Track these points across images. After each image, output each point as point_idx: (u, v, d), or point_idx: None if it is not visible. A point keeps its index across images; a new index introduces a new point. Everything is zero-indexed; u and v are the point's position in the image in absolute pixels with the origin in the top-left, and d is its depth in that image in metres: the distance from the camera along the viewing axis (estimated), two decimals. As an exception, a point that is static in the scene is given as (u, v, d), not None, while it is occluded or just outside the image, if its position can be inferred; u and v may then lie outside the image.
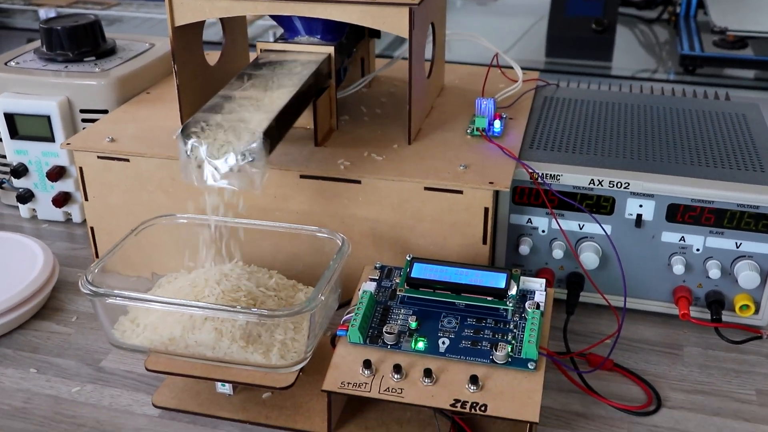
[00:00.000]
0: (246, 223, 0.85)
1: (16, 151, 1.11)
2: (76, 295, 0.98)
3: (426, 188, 0.86)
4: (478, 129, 0.95)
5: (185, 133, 0.75)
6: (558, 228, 0.89)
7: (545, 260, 0.92)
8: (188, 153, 0.74)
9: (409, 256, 0.80)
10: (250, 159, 0.74)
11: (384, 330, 0.73)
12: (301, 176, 0.90)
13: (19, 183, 1.13)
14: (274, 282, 0.82)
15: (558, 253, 0.90)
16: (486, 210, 0.85)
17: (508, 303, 0.74)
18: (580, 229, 0.89)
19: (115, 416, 0.79)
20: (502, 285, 0.75)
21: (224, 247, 0.85)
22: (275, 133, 0.79)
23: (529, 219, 0.90)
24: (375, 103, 1.07)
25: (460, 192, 0.85)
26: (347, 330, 0.74)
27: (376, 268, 0.82)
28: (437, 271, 0.77)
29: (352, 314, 0.75)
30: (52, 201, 1.12)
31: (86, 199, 0.99)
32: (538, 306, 0.74)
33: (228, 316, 0.71)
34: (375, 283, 0.79)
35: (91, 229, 1.01)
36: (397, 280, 0.79)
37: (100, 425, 0.77)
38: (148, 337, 0.76)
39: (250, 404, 0.79)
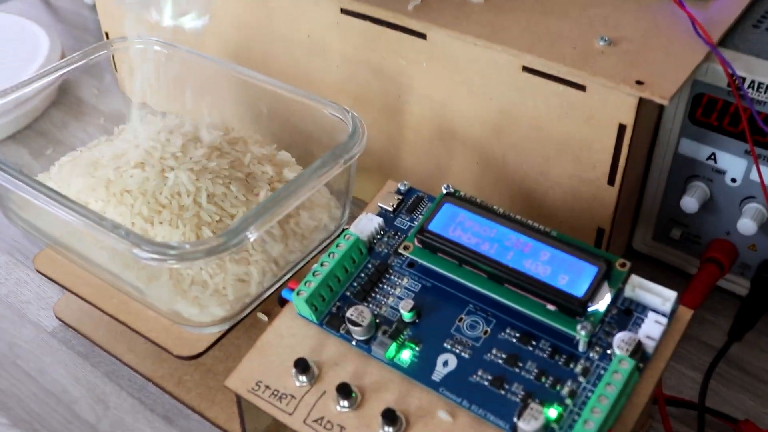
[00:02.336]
0: (224, 66, 0.54)
1: None
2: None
3: (525, 68, 0.49)
4: (665, -24, 0.54)
5: None
6: (758, 180, 0.49)
7: (726, 228, 0.53)
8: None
9: (446, 188, 0.45)
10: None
11: (348, 315, 0.41)
12: (343, 11, 0.55)
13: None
14: (257, 153, 0.52)
15: (747, 225, 0.50)
16: (621, 129, 0.47)
17: (580, 329, 0.38)
18: (803, 192, 0.49)
19: (2, 315, 0.55)
20: (581, 290, 0.39)
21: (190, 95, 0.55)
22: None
23: (713, 154, 0.51)
24: None
25: (582, 88, 0.47)
26: (298, 287, 0.43)
27: (399, 191, 0.48)
28: (480, 229, 0.42)
29: (317, 264, 0.43)
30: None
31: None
32: (637, 349, 0.38)
33: (96, 233, 0.42)
34: (381, 218, 0.46)
35: None
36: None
37: (-23, 324, 0.55)
38: (33, 223, 0.50)
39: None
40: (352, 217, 0.61)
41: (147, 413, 0.49)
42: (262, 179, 0.50)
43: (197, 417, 0.49)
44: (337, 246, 0.44)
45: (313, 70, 0.60)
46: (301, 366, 0.41)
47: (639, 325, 0.40)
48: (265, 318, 0.52)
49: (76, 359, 0.52)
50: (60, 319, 0.55)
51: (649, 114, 0.49)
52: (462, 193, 0.45)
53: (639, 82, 0.45)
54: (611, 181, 0.49)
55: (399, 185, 0.48)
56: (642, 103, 0.46)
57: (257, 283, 0.47)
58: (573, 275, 0.40)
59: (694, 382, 0.50)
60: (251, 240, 0.42)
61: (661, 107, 0.50)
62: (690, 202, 0.52)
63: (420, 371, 0.40)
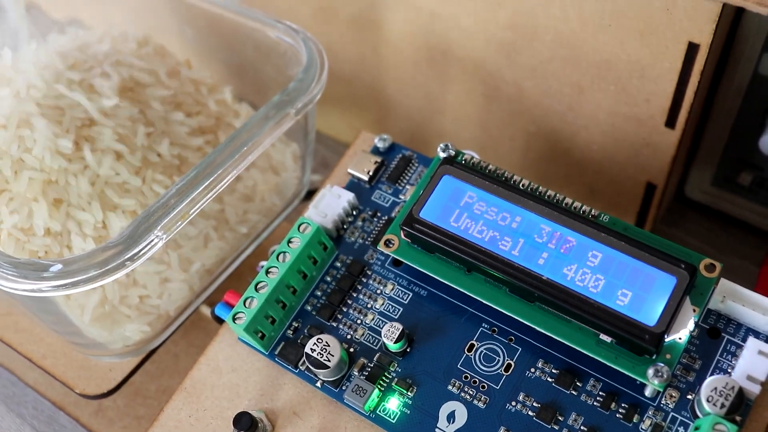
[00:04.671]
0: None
1: None
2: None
3: (551, -36, 0.34)
4: None
5: None
6: None
7: (817, 172, 0.40)
8: None
9: (444, 149, 0.31)
10: None
11: (308, 351, 0.28)
12: None
13: None
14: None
15: None
16: (692, 49, 0.33)
17: (653, 375, 0.26)
18: None
19: None
20: (653, 315, 0.26)
21: None
22: None
23: (807, 75, 0.37)
24: None
25: (634, -9, 0.33)
26: (233, 310, 0.30)
27: (377, 149, 0.34)
28: (497, 216, 0.29)
29: (261, 271, 0.30)
30: None
31: None
32: (738, 401, 0.25)
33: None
34: (352, 194, 0.33)
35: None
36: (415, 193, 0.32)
37: None
38: None
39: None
40: (323, 165, 0.48)
41: (55, 457, 0.37)
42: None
43: (121, 461, 0.37)
44: (289, 243, 0.30)
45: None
46: (244, 424, 0.29)
47: (732, 354, 0.27)
48: (209, 311, 0.39)
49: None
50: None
51: (724, 25, 0.35)
52: (467, 156, 0.31)
53: (721, -18, 0.30)
54: (671, 123, 0.36)
55: (377, 140, 0.34)
56: (725, 11, 0.31)
57: (183, 292, 0.34)
58: (638, 290, 0.26)
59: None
60: (162, 243, 0.29)
61: (739, 12, 0.35)
62: (772, 141, 0.38)
63: (414, 429, 0.28)
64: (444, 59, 0.41)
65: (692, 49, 0.33)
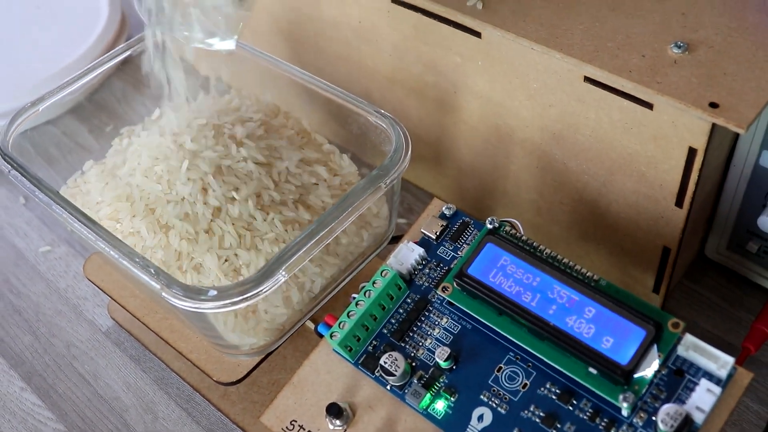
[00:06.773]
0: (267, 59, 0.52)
1: None
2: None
3: (587, 79, 0.44)
4: (758, -41, 0.47)
5: None
6: None
7: (811, 246, 0.48)
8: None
9: (491, 222, 0.42)
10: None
11: (382, 363, 0.40)
12: (394, 0, 0.51)
13: None
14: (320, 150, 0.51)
15: (834, 251, 0.45)
16: (691, 152, 0.42)
17: (623, 399, 0.36)
18: None
19: (60, 311, 0.57)
20: (626, 356, 0.36)
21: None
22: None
23: (800, 169, 0.46)
24: None
25: (648, 106, 0.42)
26: (331, 329, 0.41)
27: (444, 215, 0.45)
28: (523, 276, 0.39)
29: (352, 302, 0.42)
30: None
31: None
32: (684, 423, 0.35)
33: (126, 267, 0.42)
34: (423, 249, 0.44)
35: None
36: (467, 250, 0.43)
37: (35, 314, 0.56)
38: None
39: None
40: (409, 210, 0.58)
41: (193, 426, 0.49)
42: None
43: (241, 432, 0.49)
44: (374, 284, 0.42)
45: (365, 56, 0.57)
46: (334, 411, 0.40)
47: (690, 390, 0.36)
48: (312, 325, 0.51)
49: (128, 363, 0.53)
50: (114, 319, 0.55)
51: (726, 131, 0.44)
52: (506, 229, 0.42)
53: (713, 105, 0.40)
54: (679, 204, 0.45)
55: (444, 209, 0.45)
56: (716, 126, 0.41)
57: (296, 311, 0.46)
58: (618, 338, 0.36)
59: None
60: (284, 280, 0.41)
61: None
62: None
63: (454, 425, 0.39)
64: (509, 138, 0.52)
65: (692, 152, 0.42)
